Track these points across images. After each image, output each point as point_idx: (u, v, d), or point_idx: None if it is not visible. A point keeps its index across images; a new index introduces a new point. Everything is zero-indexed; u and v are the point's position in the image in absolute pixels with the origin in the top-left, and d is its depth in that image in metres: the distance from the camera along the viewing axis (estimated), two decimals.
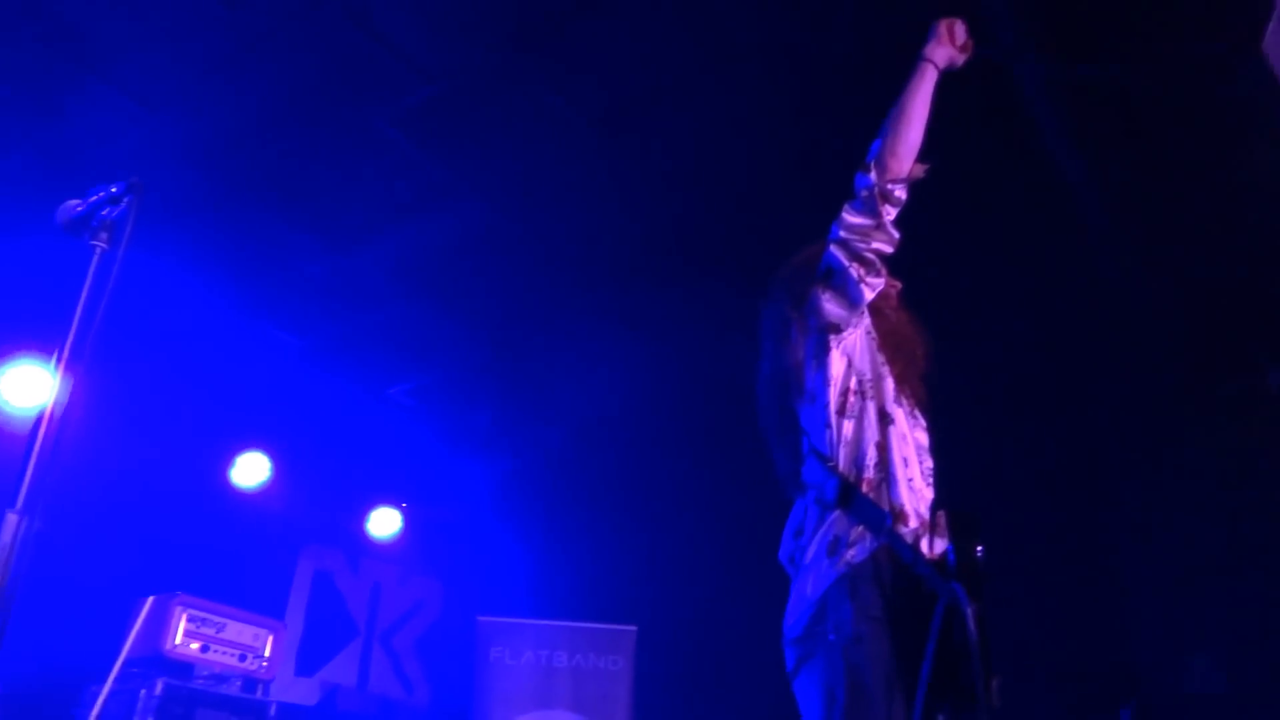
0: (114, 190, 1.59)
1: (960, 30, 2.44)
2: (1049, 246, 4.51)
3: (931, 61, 2.39)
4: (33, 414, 1.54)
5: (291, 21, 3.69)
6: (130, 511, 5.22)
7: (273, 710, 4.60)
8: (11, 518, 1.34)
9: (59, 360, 1.49)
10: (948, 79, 2.50)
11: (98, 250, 1.52)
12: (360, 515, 6.58)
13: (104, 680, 4.24)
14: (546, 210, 4.71)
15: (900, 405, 2.35)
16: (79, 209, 1.58)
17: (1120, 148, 3.87)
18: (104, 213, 1.56)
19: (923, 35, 2.47)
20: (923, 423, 2.42)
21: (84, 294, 1.47)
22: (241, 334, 5.48)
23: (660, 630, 6.16)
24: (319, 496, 6.44)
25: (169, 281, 5.04)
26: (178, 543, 5.35)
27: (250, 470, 5.87)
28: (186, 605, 4.45)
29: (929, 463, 2.36)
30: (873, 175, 2.30)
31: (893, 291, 2.56)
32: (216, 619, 4.56)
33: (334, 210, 4.74)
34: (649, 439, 6.09)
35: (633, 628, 6.17)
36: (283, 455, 5.99)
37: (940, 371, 2.55)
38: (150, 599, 4.47)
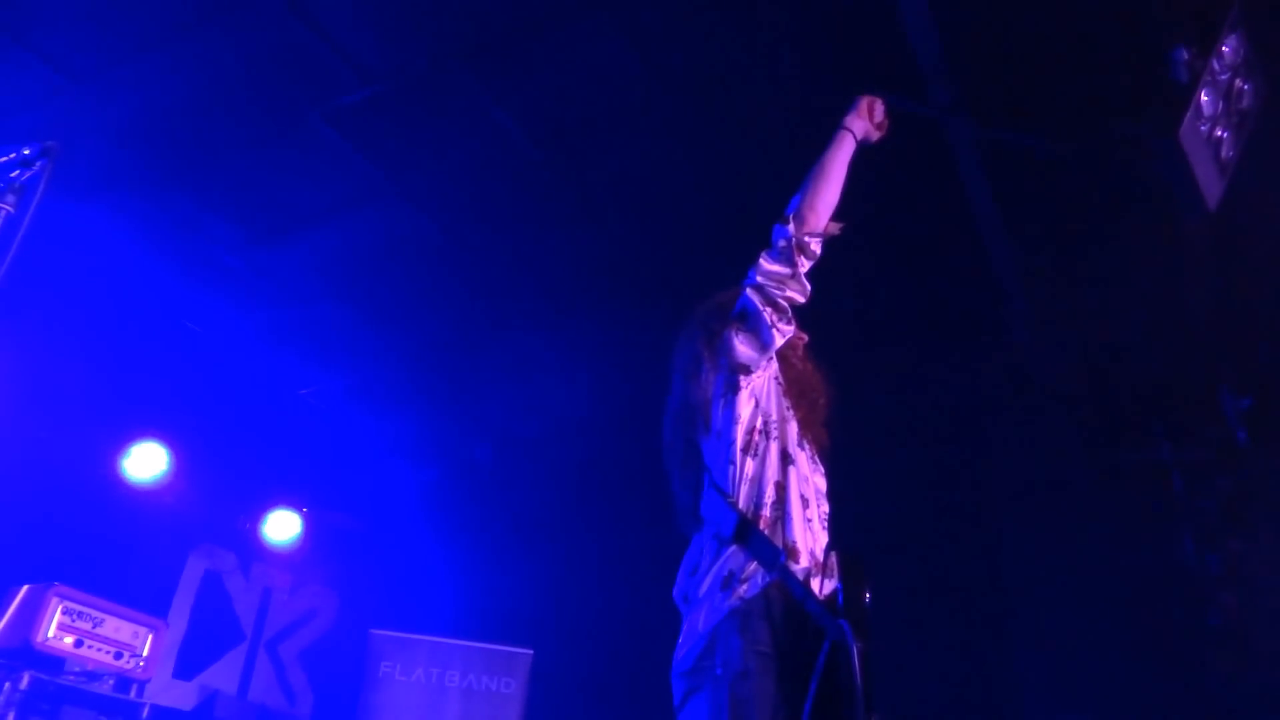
0: (26, 152, 1.51)
1: (879, 109, 2.64)
2: (962, 300, 4.65)
3: (850, 131, 2.57)
4: None
5: (232, 6, 3.62)
6: (12, 494, 4.97)
7: (145, 712, 4.41)
8: None
9: None
10: (888, 133, 2.62)
11: (2, 214, 1.44)
12: (257, 517, 6.38)
13: None
14: (480, 223, 4.68)
15: (803, 449, 2.43)
16: None
17: (1040, 213, 4.03)
18: (13, 174, 1.49)
19: (861, 75, 2.59)
20: (821, 469, 2.49)
21: None
22: (150, 317, 5.30)
23: (556, 656, 6.09)
24: (216, 493, 6.23)
25: (79, 256, 4.86)
26: (60, 531, 5.12)
27: (146, 461, 5.64)
28: (63, 597, 4.25)
29: (825, 507, 2.43)
30: (791, 227, 2.43)
31: (799, 343, 2.68)
32: (94, 613, 4.36)
33: (258, 202, 4.64)
34: (561, 463, 6.06)
35: (529, 651, 6.09)
36: (181, 448, 5.78)
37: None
38: (25, 588, 4.25)
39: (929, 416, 5.35)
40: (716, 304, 2.61)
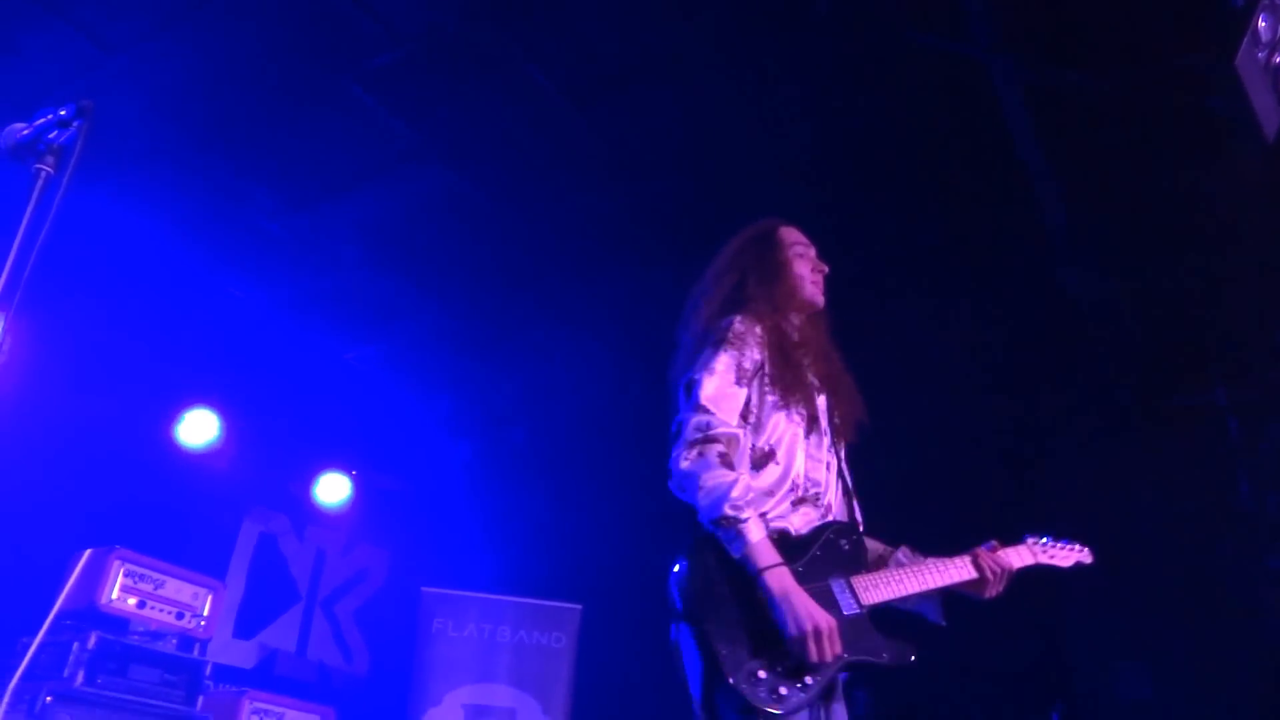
0: (62, 113, 1.53)
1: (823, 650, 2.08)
2: (1009, 246, 4.55)
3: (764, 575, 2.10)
4: None
5: None
6: (71, 463, 5.10)
7: (208, 670, 4.53)
8: None
9: None
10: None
11: (42, 175, 1.46)
12: (308, 480, 6.50)
13: (36, 632, 4.15)
14: (516, 181, 4.66)
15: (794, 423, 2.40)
16: (25, 132, 1.52)
17: (1088, 153, 3.91)
18: (51, 136, 1.50)
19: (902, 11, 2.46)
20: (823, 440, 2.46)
21: (25, 220, 1.41)
22: (196, 287, 5.37)
23: (604, 610, 6.16)
24: (268, 459, 6.34)
25: (123, 228, 4.93)
26: (119, 498, 5.24)
27: (198, 428, 5.76)
28: (124, 560, 4.36)
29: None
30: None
31: (807, 309, 2.60)
32: (155, 575, 4.48)
33: (296, 168, 4.66)
34: (608, 419, 6.07)
35: (578, 606, 6.17)
36: (232, 414, 5.89)
37: (891, 364, 2.60)
38: (88, 552, 4.37)
39: (978, 363, 5.27)
40: (699, 331, 2.51)
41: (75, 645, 4.09)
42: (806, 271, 2.62)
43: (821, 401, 2.48)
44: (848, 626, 2.12)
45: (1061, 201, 4.17)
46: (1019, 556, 2.56)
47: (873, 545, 2.46)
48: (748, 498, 2.16)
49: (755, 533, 2.12)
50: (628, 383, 5.82)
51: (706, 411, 2.26)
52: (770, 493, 2.29)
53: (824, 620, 2.02)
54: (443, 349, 5.85)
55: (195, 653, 4.55)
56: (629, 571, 6.18)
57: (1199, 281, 4.45)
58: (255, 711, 4.82)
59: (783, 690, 2.01)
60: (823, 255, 2.66)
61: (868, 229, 4.36)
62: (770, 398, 2.36)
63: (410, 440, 6.70)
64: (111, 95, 4.18)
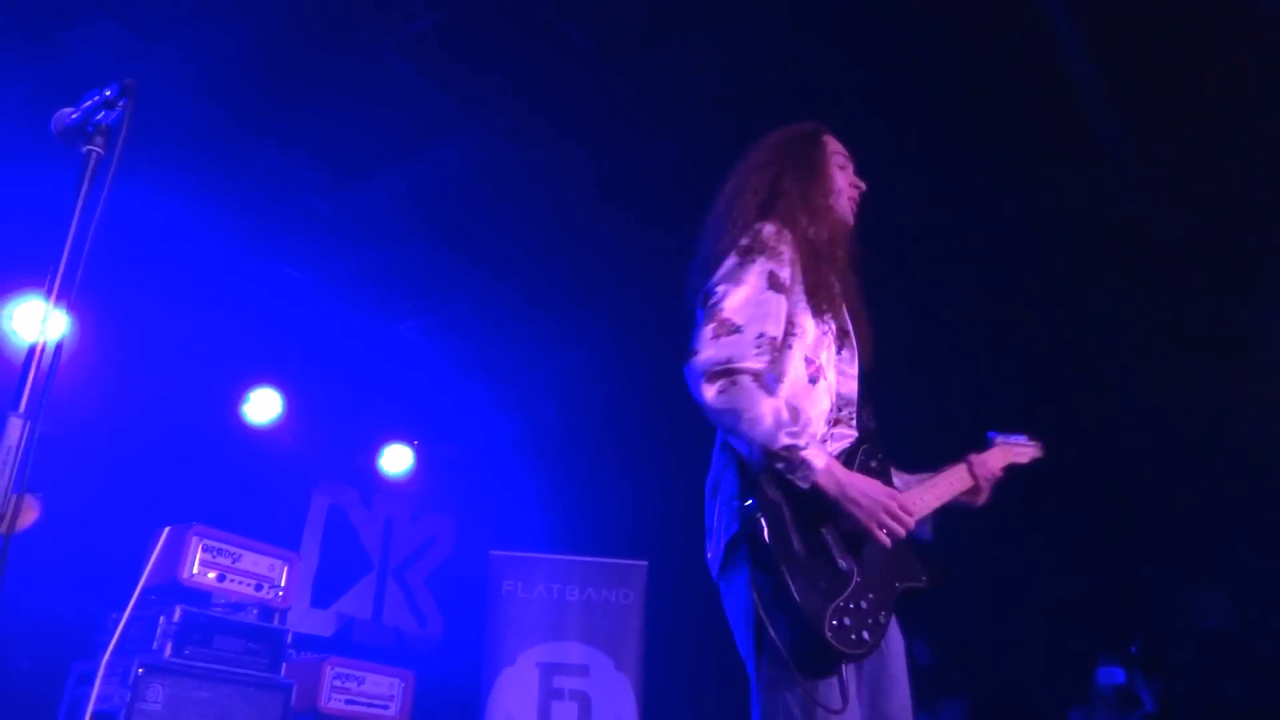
0: (108, 94, 1.56)
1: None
2: (1061, 164, 4.41)
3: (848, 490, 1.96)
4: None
5: None
6: (146, 446, 5.27)
7: (289, 639, 4.68)
8: (15, 420, 1.34)
9: (55, 276, 1.46)
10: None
11: (93, 156, 1.49)
12: (373, 452, 6.63)
13: (123, 608, 4.32)
14: (556, 141, 4.64)
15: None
16: (74, 116, 1.55)
17: (1143, 66, 3.76)
18: (99, 117, 1.53)
19: None
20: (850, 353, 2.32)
21: (80, 202, 1.44)
22: (249, 269, 5.47)
23: (671, 565, 6.21)
24: (332, 433, 6.48)
25: (175, 214, 5.02)
26: (193, 477, 5.40)
27: (262, 406, 5.90)
28: (202, 535, 4.50)
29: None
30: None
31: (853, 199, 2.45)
32: (232, 549, 4.61)
33: (339, 143, 4.70)
34: (666, 375, 6.07)
35: (644, 562, 6.23)
36: (295, 391, 6.02)
37: (944, 287, 2.55)
38: (166, 529, 4.52)
39: (1036, 289, 5.16)
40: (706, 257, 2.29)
41: (161, 619, 4.24)
42: (845, 185, 2.45)
43: (846, 317, 2.32)
44: (890, 551, 1.99)
45: (1115, 117, 4.03)
46: (995, 459, 2.47)
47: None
48: (801, 421, 1.99)
49: (820, 457, 1.95)
50: (686, 338, 5.81)
51: (732, 330, 2.05)
52: (821, 413, 2.14)
53: (893, 496, 1.98)
54: (496, 313, 5.89)
55: (275, 622, 4.70)
56: (692, 527, 6.23)
57: (1265, 190, 4.29)
58: (337, 676, 4.97)
59: (864, 635, 1.88)
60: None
61: (918, 161, 4.27)
62: (806, 310, 2.17)
63: (469, 407, 6.78)
64: (155, 82, 4.23)
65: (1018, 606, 5.98)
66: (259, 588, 4.67)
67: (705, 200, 4.86)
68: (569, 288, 5.57)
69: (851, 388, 2.26)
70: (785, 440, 1.93)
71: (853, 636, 1.85)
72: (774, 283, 2.12)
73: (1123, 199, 4.44)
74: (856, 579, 1.92)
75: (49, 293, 1.50)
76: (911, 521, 1.98)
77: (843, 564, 1.93)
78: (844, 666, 1.86)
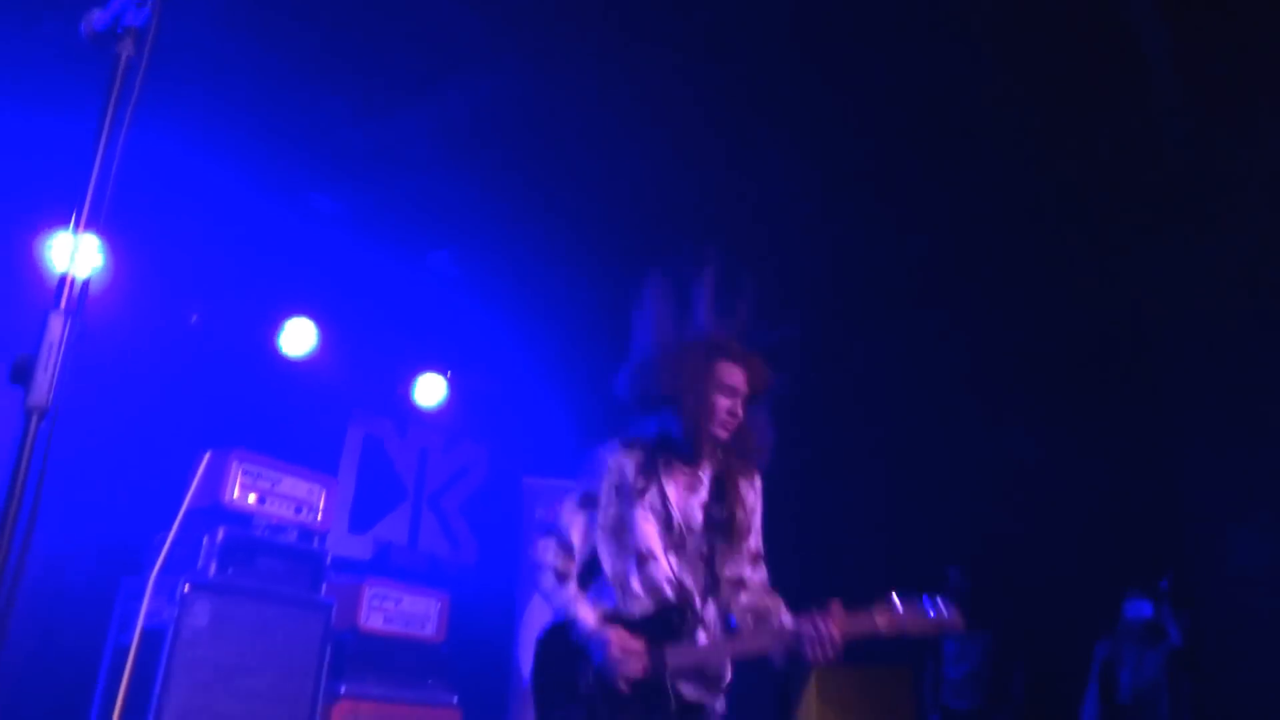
0: None
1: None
2: (1120, 114, 4.31)
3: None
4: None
5: None
6: (187, 375, 5.37)
7: (329, 560, 4.81)
8: (56, 316, 1.38)
9: (87, 199, 1.49)
10: None
11: (123, 58, 1.51)
12: (406, 382, 6.72)
13: (169, 528, 4.46)
14: (590, 73, 4.60)
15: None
16: (102, 17, 1.56)
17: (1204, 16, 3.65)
18: (128, 19, 1.54)
19: None
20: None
21: (110, 107, 1.46)
22: (282, 199, 5.51)
23: None
24: (366, 364, 6.56)
25: (209, 146, 5.05)
26: (232, 406, 5.50)
27: (298, 337, 5.97)
28: (242, 460, 4.61)
29: None
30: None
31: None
32: (271, 474, 4.73)
33: (371, 72, 4.68)
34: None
35: None
36: (329, 323, 6.09)
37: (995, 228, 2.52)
38: (208, 454, 4.64)
39: (1085, 227, 5.09)
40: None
41: (205, 539, 4.37)
42: (723, 411, 2.73)
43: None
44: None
45: (1173, 66, 3.93)
46: (850, 624, 2.46)
47: None
48: None
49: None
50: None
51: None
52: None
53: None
54: (528, 242, 5.90)
55: (315, 544, 4.83)
56: None
57: None
58: (375, 597, 5.11)
59: None
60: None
61: (965, 92, 4.21)
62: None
63: (501, 337, 6.83)
64: (186, 12, 4.24)
65: (1050, 539, 6.00)
66: (298, 511, 4.80)
67: (757, 125, 4.78)
68: (599, 216, 5.56)
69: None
70: None
71: None
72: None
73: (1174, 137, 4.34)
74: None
75: (81, 219, 1.53)
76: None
77: None
78: None
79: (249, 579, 4.43)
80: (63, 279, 1.50)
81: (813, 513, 6.46)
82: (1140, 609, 5.52)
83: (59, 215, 4.55)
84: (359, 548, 6.34)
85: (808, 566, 6.08)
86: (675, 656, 2.48)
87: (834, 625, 2.41)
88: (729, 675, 2.63)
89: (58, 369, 1.33)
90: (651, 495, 2.66)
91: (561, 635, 2.57)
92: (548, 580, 2.64)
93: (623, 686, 2.43)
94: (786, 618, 2.55)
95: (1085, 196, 4.93)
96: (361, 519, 6.43)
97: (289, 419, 5.88)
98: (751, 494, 2.81)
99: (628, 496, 2.66)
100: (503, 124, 5.01)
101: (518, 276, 6.38)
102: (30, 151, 4.60)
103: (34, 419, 1.34)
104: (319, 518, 4.89)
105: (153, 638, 4.11)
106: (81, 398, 4.23)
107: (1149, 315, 5.55)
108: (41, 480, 1.31)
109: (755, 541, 2.79)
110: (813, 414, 6.42)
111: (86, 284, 1.51)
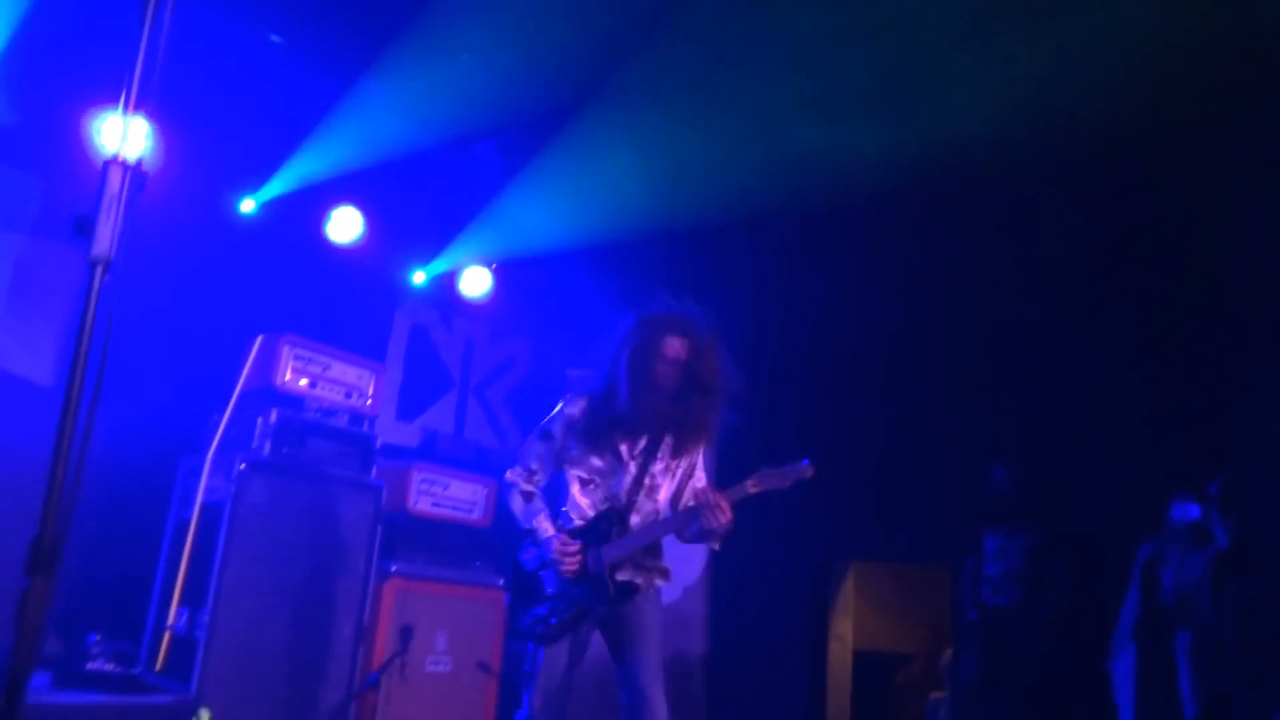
0: None
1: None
2: None
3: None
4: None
5: None
6: (237, 261, 5.40)
7: (378, 444, 4.90)
8: (116, 166, 1.37)
9: (135, 80, 1.45)
10: None
11: None
12: (452, 274, 6.72)
13: (224, 409, 4.56)
14: None
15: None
16: None
17: None
18: None
19: None
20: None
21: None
22: (328, 83, 5.43)
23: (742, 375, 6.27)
24: (412, 254, 6.57)
25: (254, 27, 4.97)
26: (282, 293, 5.54)
27: (344, 225, 5.97)
28: (293, 345, 4.68)
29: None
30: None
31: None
32: (322, 359, 4.79)
33: None
34: (736, 188, 5.97)
35: None
36: (375, 212, 6.08)
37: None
38: (260, 338, 4.70)
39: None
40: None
41: (259, 420, 4.47)
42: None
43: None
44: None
45: None
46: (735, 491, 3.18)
47: None
48: None
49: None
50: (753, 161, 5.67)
51: None
52: None
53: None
54: (571, 130, 5.78)
55: (365, 428, 4.92)
56: (745, 336, 6.22)
57: None
58: (423, 481, 5.22)
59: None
60: None
61: None
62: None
63: (542, 229, 6.77)
64: None
65: (1098, 439, 5.94)
66: (348, 395, 4.87)
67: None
68: (644, 100, 5.42)
69: None
70: None
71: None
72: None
73: None
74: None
75: (129, 99, 1.49)
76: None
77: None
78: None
79: (302, 459, 4.53)
80: (115, 154, 1.47)
81: (862, 409, 6.44)
82: (1187, 511, 5.48)
83: (110, 95, 4.52)
84: (406, 435, 6.45)
85: (857, 463, 6.11)
86: (609, 552, 3.20)
87: (720, 495, 3.10)
88: (661, 561, 3.35)
89: (120, 220, 1.32)
90: (597, 434, 3.32)
91: (530, 544, 3.32)
92: (515, 499, 3.35)
93: (567, 575, 3.19)
94: (690, 499, 3.31)
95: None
96: (409, 407, 6.53)
97: (338, 308, 5.93)
98: (686, 460, 3.42)
99: (578, 434, 3.34)
100: (545, 5, 4.87)
101: (562, 165, 6.27)
102: (80, 29, 4.56)
103: (99, 271, 1.33)
104: (369, 403, 4.96)
105: (211, 512, 4.25)
106: (137, 281, 4.26)
107: (1205, 209, 5.35)
108: (109, 334, 1.31)
109: (698, 481, 3.46)
110: (868, 304, 6.35)
111: (139, 163, 1.48)
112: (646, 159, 5.86)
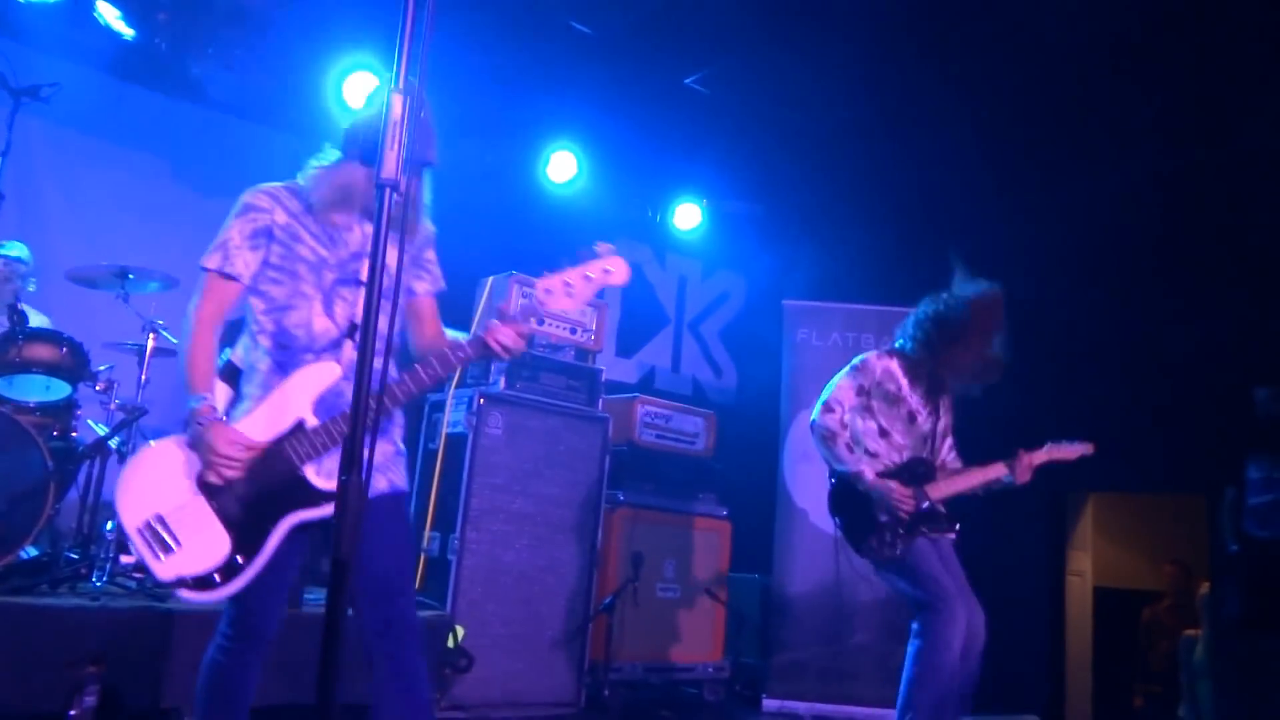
0: None
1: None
2: None
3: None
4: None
5: None
6: (463, 205, 5.63)
7: (602, 377, 5.05)
8: (396, 95, 1.45)
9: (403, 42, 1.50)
10: None
11: None
12: (665, 211, 6.77)
13: None
14: None
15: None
16: None
17: None
18: None
19: None
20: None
21: None
22: (537, 30, 5.53)
23: None
24: (625, 192, 6.65)
25: None
26: (505, 233, 5.76)
27: (561, 166, 6.13)
28: (520, 283, 4.86)
29: None
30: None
31: None
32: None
33: None
34: (968, 124, 5.66)
35: None
36: (590, 151, 6.18)
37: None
38: (490, 278, 4.92)
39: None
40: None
41: None
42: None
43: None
44: None
45: None
46: (1039, 455, 3.72)
47: None
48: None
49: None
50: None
51: None
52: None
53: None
54: (779, 62, 5.63)
55: (590, 362, 5.07)
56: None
57: None
58: (646, 413, 5.34)
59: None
60: None
61: None
62: None
63: (756, 162, 6.68)
64: None
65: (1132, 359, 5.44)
66: (574, 331, 5.03)
67: None
68: (857, 30, 5.19)
69: None
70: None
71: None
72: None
73: None
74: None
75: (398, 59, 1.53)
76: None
77: None
78: None
79: (535, 393, 4.74)
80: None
81: (1105, 325, 6.01)
82: None
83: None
84: (626, 371, 6.62)
85: (1095, 385, 5.74)
86: (934, 491, 3.62)
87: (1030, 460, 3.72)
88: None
89: (403, 144, 1.39)
90: (905, 394, 3.68)
91: (849, 485, 3.62)
92: (840, 447, 3.62)
93: (904, 516, 3.54)
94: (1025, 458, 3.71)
95: None
96: (627, 343, 6.69)
97: (556, 246, 6.09)
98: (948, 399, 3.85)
99: (887, 394, 3.68)
100: None
101: (771, 97, 6.14)
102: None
103: (386, 193, 1.42)
104: (593, 338, 5.10)
105: (456, 441, 4.52)
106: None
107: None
108: (402, 251, 1.41)
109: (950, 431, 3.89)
110: (1121, 214, 5.89)
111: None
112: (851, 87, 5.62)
